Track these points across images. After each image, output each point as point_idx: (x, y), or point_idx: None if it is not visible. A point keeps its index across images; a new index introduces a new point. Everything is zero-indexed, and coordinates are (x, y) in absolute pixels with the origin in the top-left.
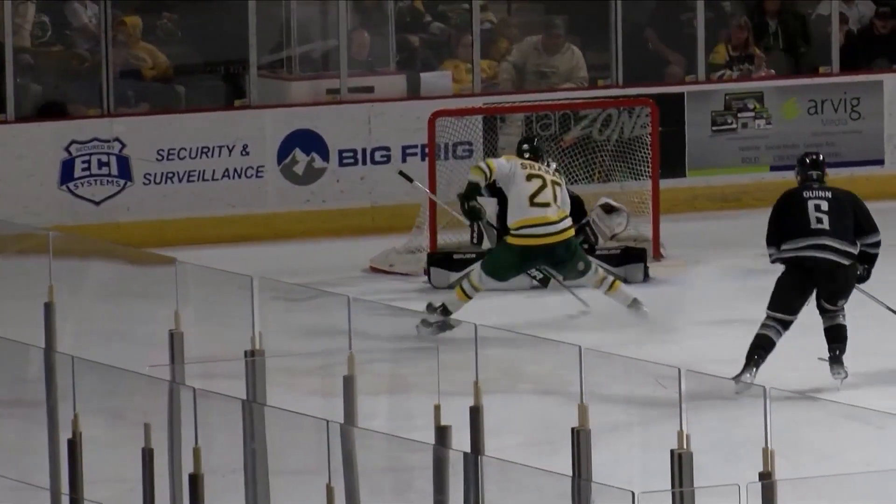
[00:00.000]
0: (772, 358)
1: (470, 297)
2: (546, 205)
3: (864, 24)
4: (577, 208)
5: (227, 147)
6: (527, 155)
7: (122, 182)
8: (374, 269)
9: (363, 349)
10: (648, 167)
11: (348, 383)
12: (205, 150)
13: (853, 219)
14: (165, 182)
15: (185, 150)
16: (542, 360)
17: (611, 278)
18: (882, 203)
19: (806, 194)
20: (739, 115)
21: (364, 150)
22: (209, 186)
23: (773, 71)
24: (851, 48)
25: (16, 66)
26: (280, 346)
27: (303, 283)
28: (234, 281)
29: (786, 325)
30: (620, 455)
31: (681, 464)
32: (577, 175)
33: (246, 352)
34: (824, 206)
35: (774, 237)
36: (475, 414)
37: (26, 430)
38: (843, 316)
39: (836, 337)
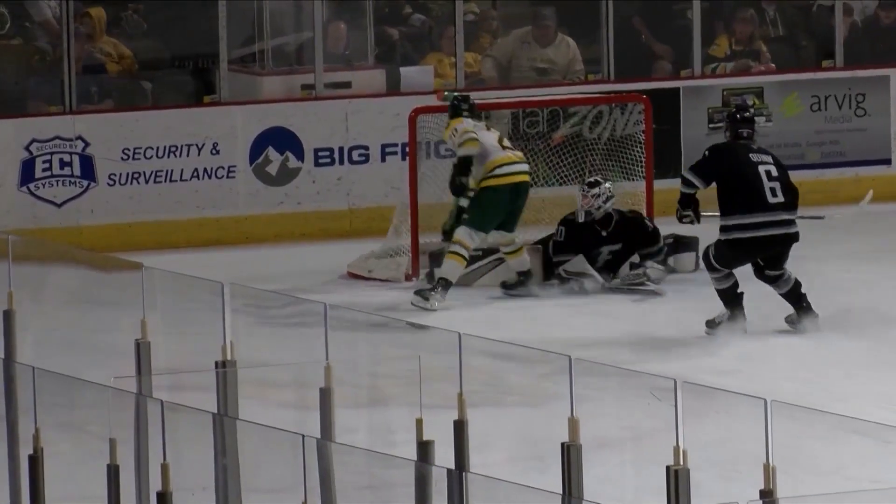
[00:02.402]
0: (770, 370)
1: (466, 259)
2: (511, 147)
3: (869, 14)
4: None
5: (197, 146)
6: (466, 113)
7: (85, 183)
8: (352, 275)
9: (340, 359)
10: (642, 167)
11: (325, 395)
12: (173, 149)
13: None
14: (131, 183)
15: (152, 149)
16: (530, 371)
17: (520, 242)
18: (890, 205)
19: (753, 157)
20: None
21: (341, 149)
22: (177, 187)
23: (773, 65)
24: (856, 41)
25: None
26: (253, 356)
27: (277, 289)
28: (204, 287)
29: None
30: (613, 471)
31: (677, 481)
32: (567, 175)
33: (217, 362)
34: (774, 171)
35: (704, 175)
36: (459, 428)
37: None
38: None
39: (798, 295)
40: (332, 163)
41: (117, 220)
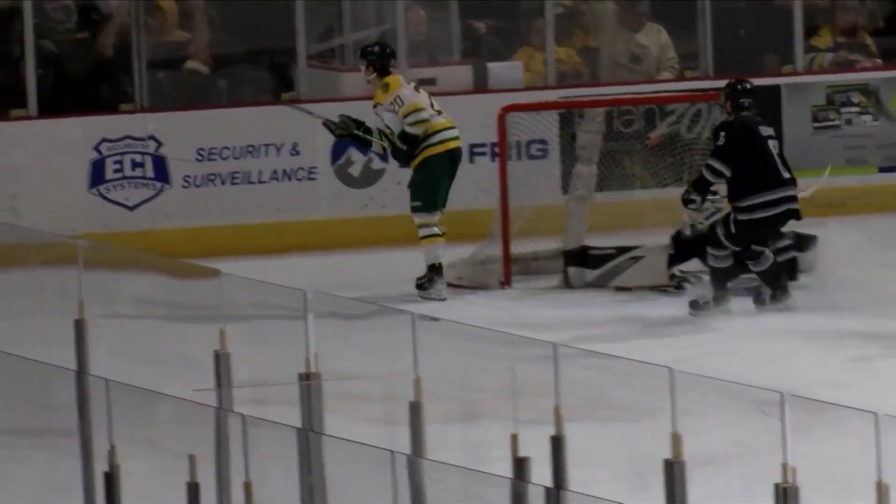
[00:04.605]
0: (875, 381)
1: (441, 234)
2: (441, 111)
3: None
4: None
5: (275, 146)
6: (372, 58)
7: (158, 185)
8: None
9: (431, 372)
10: None
11: (415, 410)
12: (250, 149)
13: None
14: (207, 185)
15: (228, 149)
16: (630, 383)
17: (443, 229)
18: None
19: (763, 131)
20: (843, 110)
21: None
22: (256, 190)
23: (879, 60)
24: None
25: (38, 56)
26: (338, 368)
27: (362, 297)
28: (286, 295)
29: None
30: (718, 489)
31: (786, 499)
32: (665, 176)
33: (300, 374)
34: (776, 145)
35: (730, 160)
36: (557, 444)
37: (57, 462)
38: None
39: (775, 274)
40: None
41: (193, 224)
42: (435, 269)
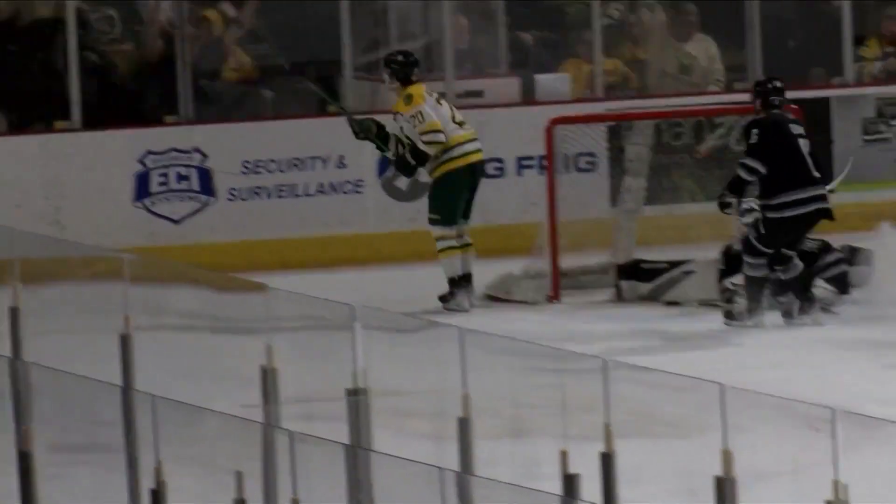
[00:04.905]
0: None
1: (458, 247)
2: (464, 123)
3: None
4: None
5: (321, 159)
6: (395, 67)
7: (204, 198)
8: (490, 297)
9: (479, 388)
10: None
11: (463, 426)
12: (296, 162)
13: None
14: (253, 198)
15: (275, 162)
16: (681, 399)
17: (469, 240)
18: None
19: (794, 129)
20: (893, 122)
21: None
22: (302, 203)
23: None
24: None
25: (81, 67)
26: (386, 383)
27: (410, 312)
28: (333, 310)
29: None
30: None
31: None
32: (714, 189)
33: (348, 390)
34: (807, 144)
35: (764, 158)
36: (607, 460)
37: (103, 479)
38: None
39: (805, 284)
40: None
41: (239, 238)
42: (456, 282)
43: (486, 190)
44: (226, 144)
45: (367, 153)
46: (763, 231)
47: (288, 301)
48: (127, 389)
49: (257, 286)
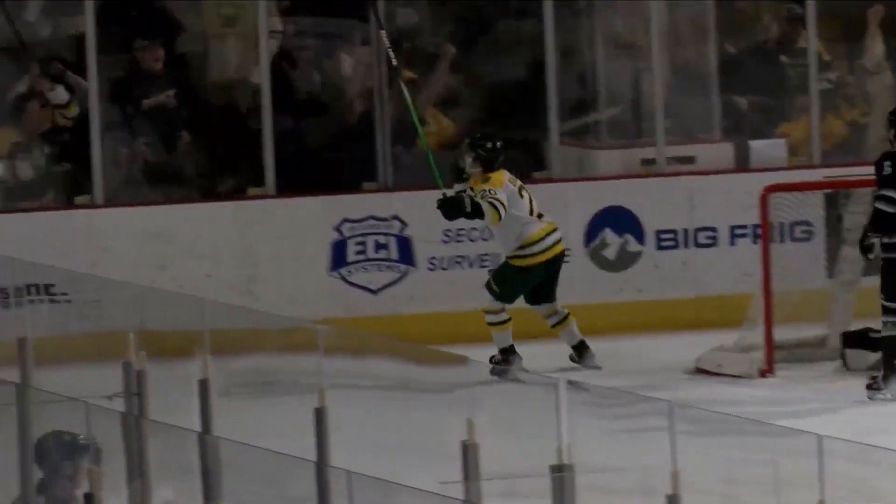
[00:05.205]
0: None
1: (504, 320)
2: (542, 215)
3: None
4: None
5: None
6: (482, 153)
7: (403, 267)
8: (700, 370)
9: (689, 464)
10: None
11: (673, 503)
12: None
13: None
14: (454, 267)
15: (476, 230)
16: None
17: (565, 310)
18: None
19: None
20: None
21: (686, 231)
22: None
23: None
24: None
25: (275, 128)
26: (592, 459)
27: (617, 386)
28: (537, 383)
29: None
30: None
31: None
32: None
33: (552, 466)
34: None
35: None
36: None
37: None
38: None
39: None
40: (676, 246)
41: (439, 309)
42: (508, 351)
43: (699, 260)
44: (426, 212)
45: (574, 221)
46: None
47: (489, 374)
48: (321, 465)
49: (458, 359)
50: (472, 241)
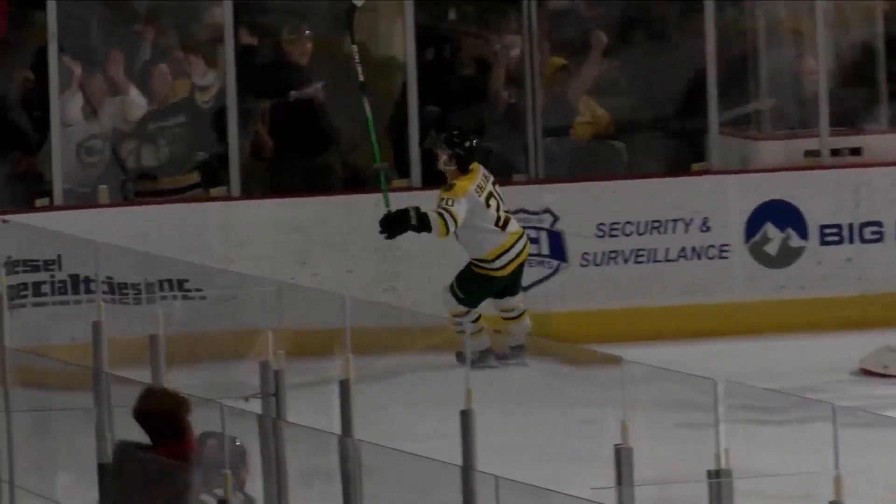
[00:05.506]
0: None
1: (481, 326)
2: (510, 220)
3: None
4: None
5: (683, 221)
6: (460, 152)
7: (554, 263)
8: (865, 371)
9: (853, 469)
10: None
11: None
12: (655, 224)
13: None
14: (608, 263)
15: (632, 224)
16: None
17: (524, 307)
18: None
19: None
20: None
21: (851, 226)
22: (661, 269)
23: None
24: None
25: (421, 119)
26: (751, 464)
27: (778, 387)
28: (694, 385)
29: None
30: None
31: None
32: None
33: (709, 471)
34: None
35: None
36: None
37: None
38: None
39: None
40: (841, 241)
41: (592, 307)
42: (483, 355)
43: (864, 256)
44: (578, 205)
45: (734, 215)
46: None
47: (645, 375)
48: (467, 470)
49: (611, 359)
50: (626, 235)
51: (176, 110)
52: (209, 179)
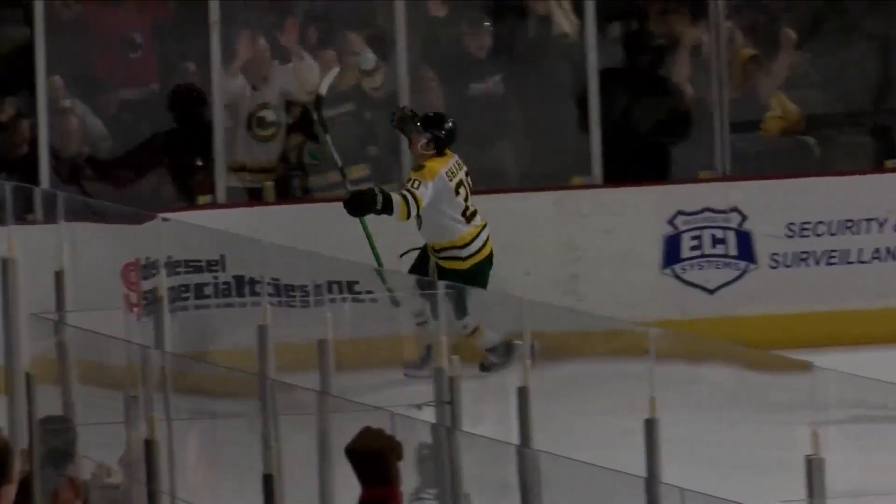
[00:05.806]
0: None
1: (478, 326)
2: (475, 212)
3: None
4: None
5: (877, 221)
6: (440, 135)
7: (742, 264)
8: None
9: None
10: None
11: None
12: (849, 224)
13: None
14: (798, 264)
15: (824, 223)
16: None
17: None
18: None
19: None
20: None
21: None
22: (855, 271)
23: None
24: None
25: (604, 113)
26: None
27: None
28: (889, 393)
29: None
30: None
31: None
32: None
33: None
34: None
35: None
36: None
37: None
38: None
39: None
40: None
41: (782, 310)
42: (493, 351)
43: None
44: (768, 204)
45: None
46: None
47: (838, 382)
48: (651, 481)
49: (802, 365)
50: (818, 235)
51: (343, 98)
52: (379, 173)
